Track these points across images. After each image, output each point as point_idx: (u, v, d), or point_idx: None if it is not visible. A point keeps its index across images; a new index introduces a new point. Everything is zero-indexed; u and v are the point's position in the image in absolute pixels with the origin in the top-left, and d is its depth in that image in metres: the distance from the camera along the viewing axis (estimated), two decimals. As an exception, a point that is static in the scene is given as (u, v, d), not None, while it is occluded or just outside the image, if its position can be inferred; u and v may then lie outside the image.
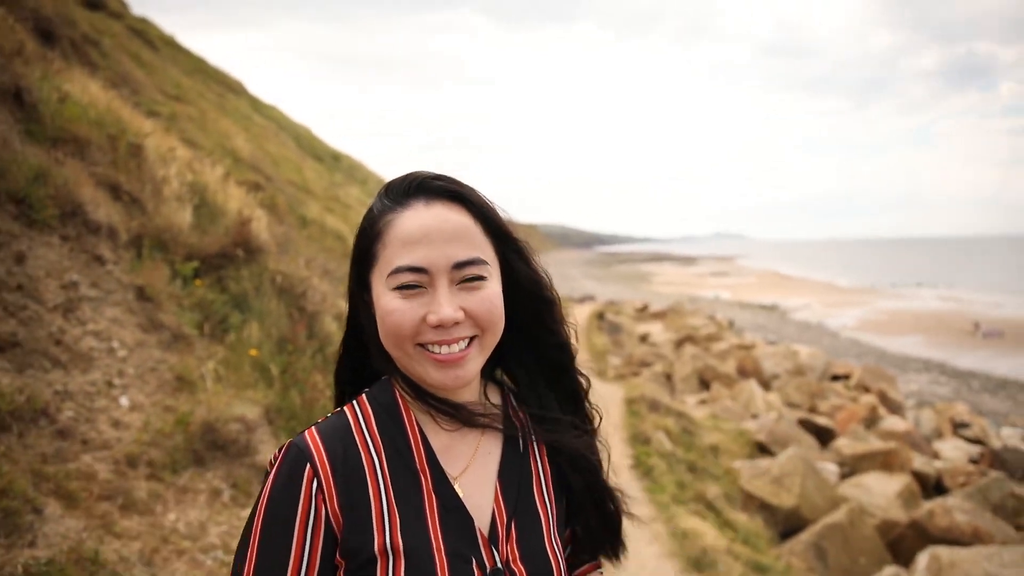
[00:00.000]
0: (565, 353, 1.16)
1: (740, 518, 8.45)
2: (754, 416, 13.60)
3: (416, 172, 1.01)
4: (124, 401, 3.49)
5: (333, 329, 4.14)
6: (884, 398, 15.75)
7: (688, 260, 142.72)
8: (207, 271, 3.94)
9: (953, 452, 13.39)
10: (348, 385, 1.17)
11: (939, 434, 14.72)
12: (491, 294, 0.99)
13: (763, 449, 11.67)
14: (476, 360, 1.01)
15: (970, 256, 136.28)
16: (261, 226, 4.22)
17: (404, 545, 0.94)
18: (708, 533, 6.35)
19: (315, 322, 3.99)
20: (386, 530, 0.95)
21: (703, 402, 15.03)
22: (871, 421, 13.33)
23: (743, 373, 17.22)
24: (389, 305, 0.96)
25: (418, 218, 0.96)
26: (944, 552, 7.37)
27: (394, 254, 0.96)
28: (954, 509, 8.34)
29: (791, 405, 14.95)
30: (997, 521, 8.62)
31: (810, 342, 30.16)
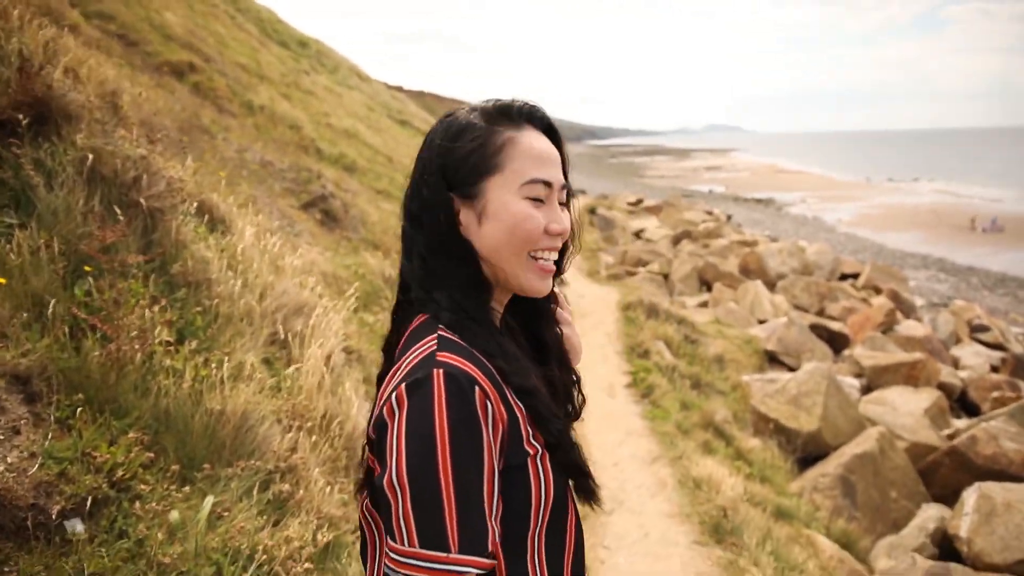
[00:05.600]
0: None
1: (754, 446, 7.31)
2: (761, 321, 12.41)
3: (521, 100, 1.12)
4: None
5: (189, 237, 2.69)
6: (896, 299, 14.54)
7: (682, 153, 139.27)
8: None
9: (974, 359, 12.31)
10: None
11: (956, 339, 13.61)
12: (574, 215, 1.15)
13: (773, 359, 10.51)
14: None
15: (971, 149, 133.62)
16: (78, 82, 2.69)
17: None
18: (724, 481, 5.14)
19: (155, 225, 2.54)
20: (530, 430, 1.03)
21: (704, 304, 13.80)
22: (887, 326, 12.16)
23: (746, 272, 15.93)
24: (526, 211, 1.05)
25: (540, 141, 1.09)
26: (996, 490, 6.26)
27: (525, 167, 1.06)
28: (1000, 434, 7.21)
29: (799, 308, 13.75)
30: (1047, 447, 7.53)
31: (807, 237, 28.95)
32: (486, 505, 0.92)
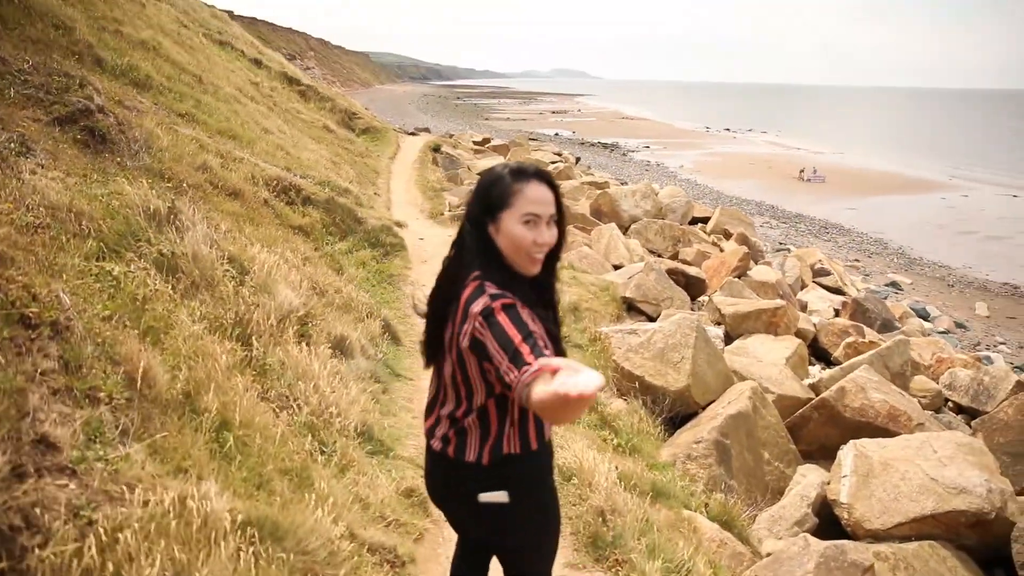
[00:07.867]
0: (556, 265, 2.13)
1: (619, 409, 6.46)
2: (616, 266, 11.73)
3: (532, 164, 2.00)
4: None
5: None
6: (746, 243, 14.46)
7: (529, 96, 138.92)
8: None
9: (819, 303, 12.39)
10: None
11: (802, 284, 13.72)
12: (556, 233, 1.97)
13: (631, 307, 9.80)
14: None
15: (803, 104, 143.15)
16: None
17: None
18: (597, 468, 4.16)
19: None
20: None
21: (556, 249, 12.93)
22: (741, 271, 11.88)
23: (598, 215, 15.28)
24: (521, 231, 1.90)
25: (538, 190, 1.93)
26: (872, 448, 5.80)
27: (524, 205, 1.90)
28: (867, 385, 6.83)
29: (653, 252, 13.26)
30: (904, 396, 7.29)
31: (652, 182, 29.16)
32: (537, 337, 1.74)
